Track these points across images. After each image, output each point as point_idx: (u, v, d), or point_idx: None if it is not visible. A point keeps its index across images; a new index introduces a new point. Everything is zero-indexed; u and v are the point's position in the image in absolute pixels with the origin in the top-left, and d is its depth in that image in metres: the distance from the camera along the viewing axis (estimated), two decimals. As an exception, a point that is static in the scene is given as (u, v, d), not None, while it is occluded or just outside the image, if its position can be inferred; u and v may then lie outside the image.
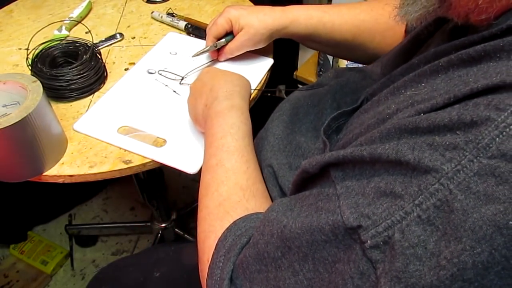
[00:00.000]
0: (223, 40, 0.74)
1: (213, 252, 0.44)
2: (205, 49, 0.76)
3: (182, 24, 0.87)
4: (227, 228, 0.45)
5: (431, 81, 0.35)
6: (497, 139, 0.26)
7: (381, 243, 0.30)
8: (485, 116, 0.27)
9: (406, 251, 0.28)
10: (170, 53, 0.82)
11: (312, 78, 1.36)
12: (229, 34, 0.74)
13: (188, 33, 0.87)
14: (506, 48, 0.30)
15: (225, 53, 0.76)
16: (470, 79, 0.31)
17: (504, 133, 0.26)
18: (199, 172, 0.60)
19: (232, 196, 0.49)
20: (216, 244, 0.44)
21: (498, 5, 0.32)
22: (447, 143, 0.28)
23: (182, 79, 0.76)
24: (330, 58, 1.30)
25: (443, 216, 0.27)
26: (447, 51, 0.36)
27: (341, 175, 0.35)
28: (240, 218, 0.45)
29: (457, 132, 0.28)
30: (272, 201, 0.54)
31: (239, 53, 0.76)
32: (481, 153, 0.26)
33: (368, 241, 0.30)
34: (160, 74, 0.77)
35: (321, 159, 0.37)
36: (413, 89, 0.37)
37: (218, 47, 0.75)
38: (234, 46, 0.73)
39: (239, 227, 0.44)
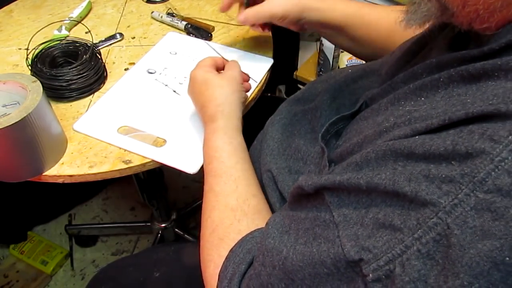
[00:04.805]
0: None
1: (217, 284, 0.44)
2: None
3: (182, 24, 0.87)
4: (226, 258, 0.45)
5: (431, 97, 0.35)
6: (493, 173, 0.26)
7: (383, 276, 0.30)
8: (480, 148, 0.27)
9: (407, 286, 0.28)
10: (170, 53, 0.82)
11: (312, 78, 1.36)
12: None
13: (188, 33, 0.87)
14: (504, 67, 0.30)
15: (246, 14, 0.64)
16: (468, 100, 0.31)
17: (499, 167, 0.26)
18: (199, 172, 0.60)
19: (224, 220, 0.49)
20: (219, 276, 0.45)
21: (499, 16, 0.32)
22: (443, 175, 0.28)
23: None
24: (330, 58, 1.30)
25: (442, 250, 0.27)
26: (449, 63, 0.36)
27: (337, 201, 0.35)
28: (236, 244, 0.46)
29: (452, 162, 0.28)
30: (270, 206, 0.54)
31: (259, 22, 0.64)
32: (477, 187, 0.26)
33: (370, 275, 0.30)
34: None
35: (317, 181, 0.37)
36: (412, 103, 0.36)
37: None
38: (257, 10, 0.63)
39: (236, 253, 0.45)
